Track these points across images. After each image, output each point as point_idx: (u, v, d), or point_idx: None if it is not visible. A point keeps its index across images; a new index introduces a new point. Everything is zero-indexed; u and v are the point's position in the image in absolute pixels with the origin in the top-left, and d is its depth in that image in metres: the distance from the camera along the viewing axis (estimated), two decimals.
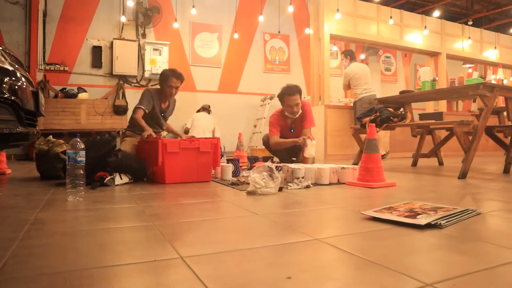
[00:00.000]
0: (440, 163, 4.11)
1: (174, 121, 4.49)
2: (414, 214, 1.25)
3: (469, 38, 7.71)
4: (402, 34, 6.87)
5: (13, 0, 5.75)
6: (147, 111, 2.94)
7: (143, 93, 3.03)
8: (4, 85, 1.94)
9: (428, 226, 1.13)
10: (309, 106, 3.30)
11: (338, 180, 2.34)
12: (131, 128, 3.04)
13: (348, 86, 5.24)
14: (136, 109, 2.93)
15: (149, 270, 0.78)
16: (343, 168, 2.34)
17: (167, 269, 0.79)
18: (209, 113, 6.14)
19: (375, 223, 1.20)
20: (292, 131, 3.28)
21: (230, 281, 0.72)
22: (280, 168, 2.18)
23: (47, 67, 5.91)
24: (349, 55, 5.30)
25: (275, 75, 7.73)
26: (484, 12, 9.69)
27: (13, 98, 1.98)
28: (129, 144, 2.85)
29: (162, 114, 3.12)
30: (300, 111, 3.16)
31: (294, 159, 3.32)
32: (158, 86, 3.11)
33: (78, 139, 1.67)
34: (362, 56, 8.87)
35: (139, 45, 6.51)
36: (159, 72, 6.60)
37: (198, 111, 6.18)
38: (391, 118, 3.40)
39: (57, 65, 5.97)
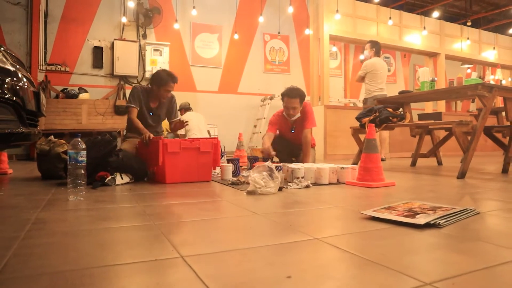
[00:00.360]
0: (439, 163, 4.11)
1: None
2: (413, 213, 1.26)
3: (468, 38, 7.72)
4: (401, 35, 6.88)
5: (14, 1, 5.76)
6: (138, 109, 2.87)
7: (131, 91, 2.94)
8: (5, 86, 1.95)
9: (427, 225, 1.14)
10: (310, 106, 3.31)
11: (337, 180, 2.35)
12: (130, 131, 2.98)
13: (362, 79, 4.89)
14: (129, 108, 2.87)
15: (150, 270, 0.78)
16: (342, 168, 2.35)
17: (168, 268, 0.79)
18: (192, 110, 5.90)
19: (375, 223, 1.21)
20: (292, 131, 3.29)
21: (230, 281, 0.72)
22: (280, 168, 2.19)
23: (48, 68, 5.92)
24: (375, 48, 4.93)
25: (275, 76, 7.74)
26: (483, 13, 9.71)
27: (14, 98, 1.98)
28: (130, 144, 2.85)
29: (151, 114, 2.98)
30: (299, 114, 3.17)
31: (294, 159, 3.32)
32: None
33: (79, 139, 1.68)
34: (362, 57, 8.88)
35: (139, 45, 6.51)
36: None
37: (180, 112, 5.70)
38: (390, 118, 3.40)
39: (58, 66, 5.98)
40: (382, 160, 5.13)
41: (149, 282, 0.71)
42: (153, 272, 0.77)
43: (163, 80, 2.85)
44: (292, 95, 3.10)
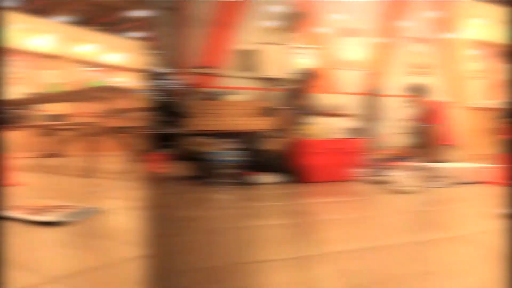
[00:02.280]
0: (64, 163, 3.75)
1: None
2: (40, 211, 1.28)
3: (93, 42, 8.00)
4: None
5: (164, 6, 5.94)
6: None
7: (282, 94, 3.09)
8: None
9: (50, 223, 1.17)
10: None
11: (478, 179, 2.32)
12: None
13: None
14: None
15: (295, 265, 0.84)
16: (482, 167, 2.31)
17: (312, 264, 0.87)
18: None
19: None
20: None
21: (372, 276, 0.77)
22: (421, 167, 2.22)
23: (197, 71, 5.72)
24: None
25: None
26: (106, 18, 9.46)
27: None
28: (276, 144, 2.83)
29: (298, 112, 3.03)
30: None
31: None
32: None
33: (226, 140, 1.85)
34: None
35: (285, 49, 6.36)
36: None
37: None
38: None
39: (206, 69, 5.80)
40: None
41: (295, 277, 0.77)
42: (299, 268, 0.82)
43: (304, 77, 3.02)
44: None
